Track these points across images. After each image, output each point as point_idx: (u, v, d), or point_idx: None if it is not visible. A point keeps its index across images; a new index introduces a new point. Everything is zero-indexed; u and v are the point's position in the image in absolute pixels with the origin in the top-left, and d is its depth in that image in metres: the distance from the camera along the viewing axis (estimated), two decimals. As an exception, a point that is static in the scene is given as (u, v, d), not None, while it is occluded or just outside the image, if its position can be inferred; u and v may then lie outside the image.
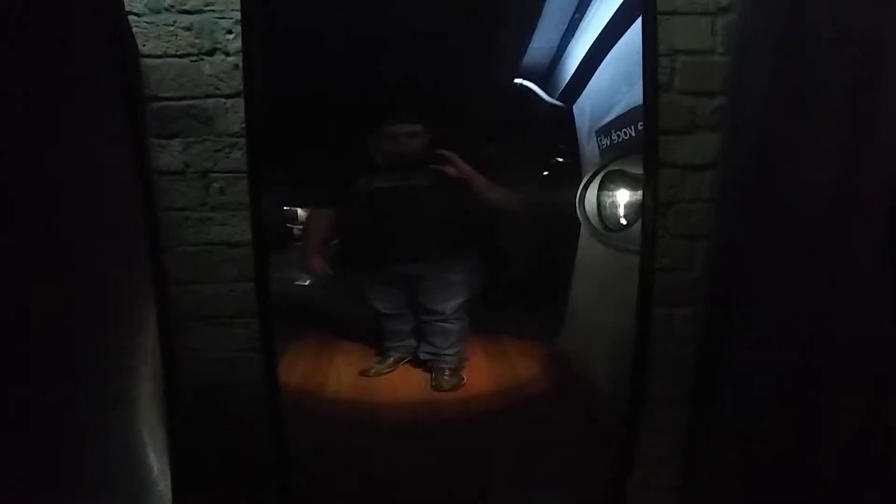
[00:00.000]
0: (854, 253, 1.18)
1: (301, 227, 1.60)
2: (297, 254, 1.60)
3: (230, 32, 1.59)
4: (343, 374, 1.62)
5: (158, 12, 1.58)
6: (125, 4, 1.55)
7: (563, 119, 1.53)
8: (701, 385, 1.65)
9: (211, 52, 1.60)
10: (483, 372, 1.62)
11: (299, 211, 1.60)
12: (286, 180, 1.54)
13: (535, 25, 1.52)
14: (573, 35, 1.51)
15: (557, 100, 1.53)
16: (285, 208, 1.58)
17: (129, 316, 1.24)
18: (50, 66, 1.00)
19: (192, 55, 1.61)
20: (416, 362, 1.64)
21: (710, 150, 1.64)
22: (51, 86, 1.01)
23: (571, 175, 1.53)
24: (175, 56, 1.61)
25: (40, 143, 0.96)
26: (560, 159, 1.58)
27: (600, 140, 1.48)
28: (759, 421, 1.42)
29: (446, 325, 1.61)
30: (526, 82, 1.53)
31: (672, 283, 1.68)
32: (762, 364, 1.41)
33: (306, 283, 1.60)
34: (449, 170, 1.53)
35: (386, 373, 1.62)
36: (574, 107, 1.53)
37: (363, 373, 1.61)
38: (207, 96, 1.62)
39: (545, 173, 1.59)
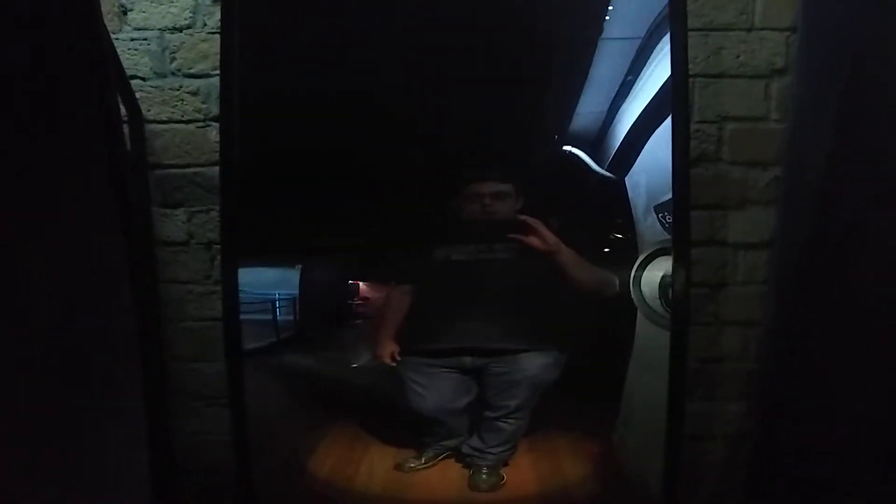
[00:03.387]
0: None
1: (362, 302, 1.46)
2: (356, 333, 1.47)
3: (239, 97, 1.47)
4: (376, 466, 1.48)
5: (164, 76, 1.50)
6: (129, 68, 1.47)
7: (615, 191, 1.40)
8: (753, 490, 1.53)
9: (218, 118, 1.49)
10: (526, 471, 1.48)
11: (361, 285, 1.46)
12: (350, 250, 1.42)
13: (583, 88, 1.40)
14: (625, 99, 1.39)
15: (607, 170, 1.41)
16: (349, 282, 1.45)
17: (109, 393, 1.12)
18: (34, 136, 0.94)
19: (199, 121, 1.52)
20: (457, 457, 1.51)
21: (765, 226, 1.52)
22: (34, 156, 0.94)
23: (628, 254, 1.40)
24: (181, 122, 1.52)
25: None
26: (618, 236, 1.44)
27: (663, 217, 1.35)
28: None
29: (503, 423, 1.47)
30: (575, 150, 1.40)
31: (723, 374, 1.57)
32: (827, 473, 1.29)
33: (360, 365, 1.48)
34: (534, 240, 1.37)
35: (422, 469, 1.48)
36: (627, 179, 1.40)
37: (398, 467, 1.47)
38: (214, 163, 1.52)
39: (606, 250, 1.45)
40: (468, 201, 1.41)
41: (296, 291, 1.45)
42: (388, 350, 1.46)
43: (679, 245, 1.27)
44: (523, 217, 1.37)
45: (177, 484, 1.58)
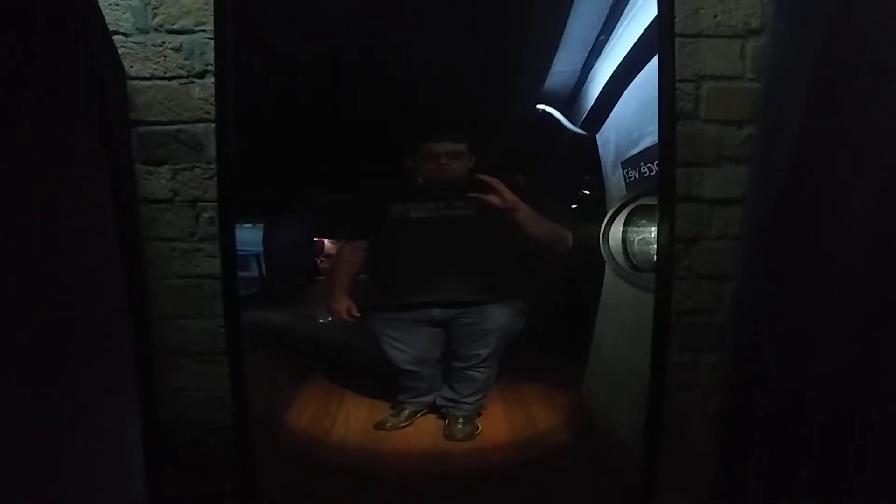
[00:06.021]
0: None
1: (326, 259, 1.49)
2: (322, 289, 1.49)
3: (222, 53, 1.48)
4: (352, 419, 1.51)
5: (146, 32, 1.49)
6: (111, 23, 1.46)
7: (586, 149, 1.43)
8: (725, 440, 1.55)
9: (201, 75, 1.51)
10: (500, 420, 1.51)
11: (326, 242, 1.48)
12: (314, 207, 1.44)
13: (557, 47, 1.42)
14: (597, 58, 1.41)
15: (580, 128, 1.43)
16: (315, 240, 1.48)
17: (96, 350, 1.13)
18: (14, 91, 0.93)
19: (182, 77, 1.52)
20: (432, 409, 1.53)
21: (739, 183, 1.54)
22: (16, 112, 0.93)
23: (596, 209, 1.42)
24: (163, 78, 1.51)
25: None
26: (587, 192, 1.47)
27: (627, 172, 1.37)
28: (788, 484, 1.32)
29: (474, 372, 1.50)
30: (548, 108, 1.42)
31: (697, 326, 1.58)
32: (792, 421, 1.31)
33: (329, 321, 1.50)
34: (492, 198, 1.40)
35: (403, 426, 1.51)
36: (598, 136, 1.42)
37: (378, 426, 1.50)
38: (197, 121, 1.53)
39: (573, 206, 1.48)
40: (425, 160, 1.44)
41: (258, 248, 1.47)
42: (344, 305, 1.50)
43: (664, 202, 1.29)
44: (482, 176, 1.40)
45: (164, 440, 1.61)
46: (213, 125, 1.49)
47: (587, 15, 1.41)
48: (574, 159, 1.47)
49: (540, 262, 1.46)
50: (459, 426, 1.49)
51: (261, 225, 1.49)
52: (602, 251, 1.41)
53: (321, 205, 1.49)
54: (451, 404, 1.51)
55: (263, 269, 1.48)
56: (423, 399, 1.53)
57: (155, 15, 1.49)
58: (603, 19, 1.40)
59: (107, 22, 1.43)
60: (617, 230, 1.40)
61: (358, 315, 1.50)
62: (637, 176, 1.36)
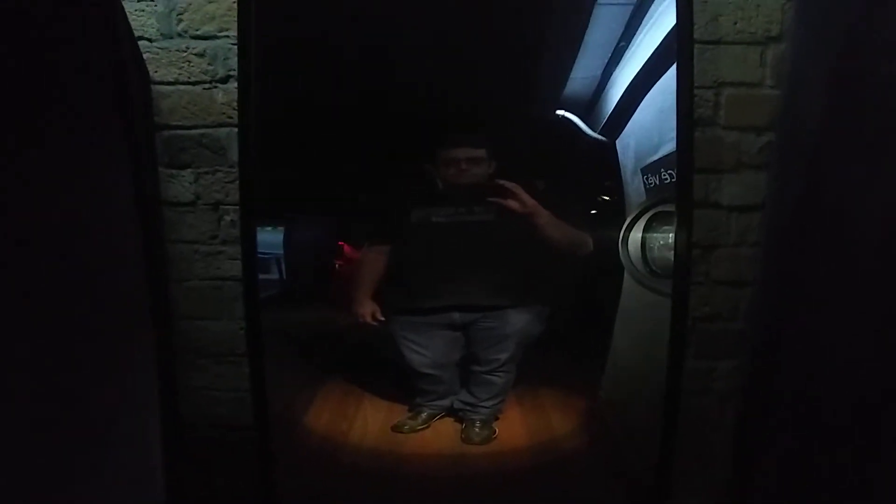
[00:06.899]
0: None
1: (343, 262, 1.51)
2: (340, 292, 1.51)
3: (245, 59, 1.49)
4: (370, 421, 1.53)
5: (171, 37, 1.51)
6: (137, 29, 1.48)
7: (606, 155, 1.43)
8: (741, 445, 1.55)
9: (224, 80, 1.52)
10: (517, 424, 1.52)
11: (346, 246, 1.51)
12: (334, 211, 1.46)
13: (577, 53, 1.43)
14: (617, 65, 1.42)
15: (600, 134, 1.43)
16: (335, 243, 1.50)
17: (120, 350, 1.14)
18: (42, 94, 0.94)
19: (205, 82, 1.53)
20: (449, 412, 1.55)
21: (757, 190, 1.53)
22: (43, 115, 0.94)
23: (615, 215, 1.43)
24: (187, 83, 1.53)
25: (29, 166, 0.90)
26: (605, 197, 1.48)
27: (647, 178, 1.38)
28: (803, 490, 1.32)
29: (493, 376, 1.51)
30: (568, 114, 1.43)
31: (713, 333, 1.57)
32: (807, 427, 1.30)
33: (348, 324, 1.52)
34: (512, 203, 1.41)
35: (420, 429, 1.52)
36: (617, 142, 1.43)
37: (396, 429, 1.52)
38: (220, 125, 1.54)
39: (593, 212, 1.49)
40: (445, 166, 1.45)
41: (279, 251, 1.49)
42: (368, 309, 1.51)
43: (682, 208, 1.29)
44: (502, 181, 1.41)
45: (183, 440, 1.63)
46: (235, 129, 1.51)
47: (607, 21, 1.41)
48: (593, 165, 1.48)
49: (559, 267, 1.47)
50: (477, 430, 1.50)
51: (282, 228, 1.50)
52: (621, 257, 1.41)
53: (341, 209, 1.50)
54: (468, 408, 1.52)
55: (284, 271, 1.50)
56: (440, 402, 1.54)
57: (179, 21, 1.50)
58: (623, 26, 1.41)
59: (132, 27, 1.45)
60: (636, 236, 1.40)
61: (382, 319, 1.51)
62: (657, 182, 1.36)
